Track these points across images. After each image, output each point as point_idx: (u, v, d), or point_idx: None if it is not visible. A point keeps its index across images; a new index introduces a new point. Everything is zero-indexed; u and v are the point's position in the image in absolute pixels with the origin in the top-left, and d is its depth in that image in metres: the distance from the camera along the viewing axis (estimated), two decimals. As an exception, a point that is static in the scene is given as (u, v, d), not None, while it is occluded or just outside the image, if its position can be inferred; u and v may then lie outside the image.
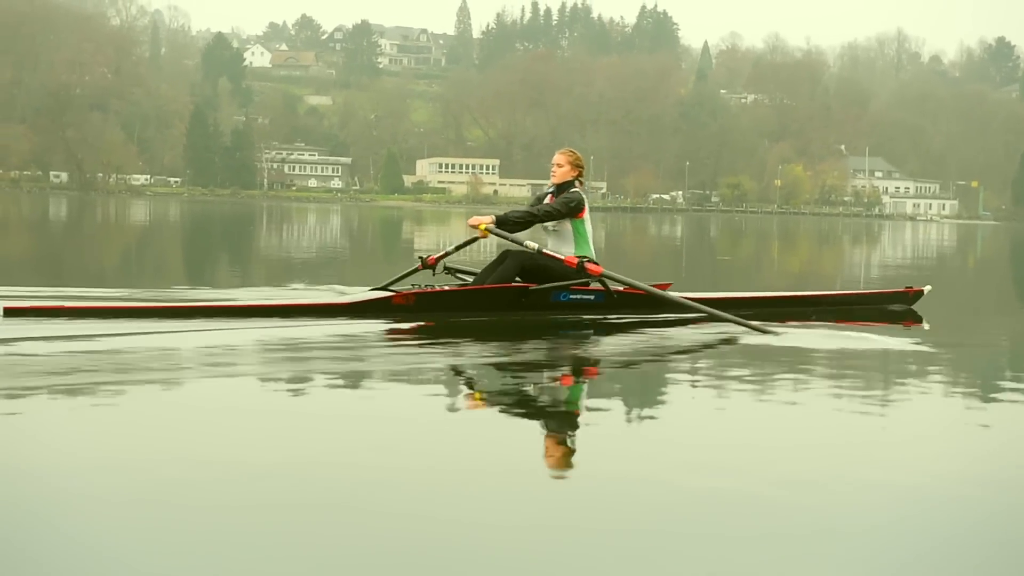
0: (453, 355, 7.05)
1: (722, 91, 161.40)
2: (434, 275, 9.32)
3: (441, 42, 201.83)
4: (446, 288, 8.78)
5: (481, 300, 8.67)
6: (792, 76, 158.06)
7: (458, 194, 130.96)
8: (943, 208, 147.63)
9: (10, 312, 7.63)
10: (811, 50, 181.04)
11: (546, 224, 8.97)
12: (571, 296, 8.85)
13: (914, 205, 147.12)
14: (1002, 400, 6.02)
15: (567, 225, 8.91)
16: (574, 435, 4.82)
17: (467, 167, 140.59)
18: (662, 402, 5.74)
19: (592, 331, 8.32)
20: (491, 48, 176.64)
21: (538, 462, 4.29)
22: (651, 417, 5.31)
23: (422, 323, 8.21)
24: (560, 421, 5.18)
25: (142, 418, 4.76)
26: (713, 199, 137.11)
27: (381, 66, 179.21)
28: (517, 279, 8.82)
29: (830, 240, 41.04)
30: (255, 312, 8.22)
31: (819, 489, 3.95)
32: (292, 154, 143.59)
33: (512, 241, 8.74)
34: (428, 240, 28.60)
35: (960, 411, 5.64)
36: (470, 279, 9.28)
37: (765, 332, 8.09)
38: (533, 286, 8.73)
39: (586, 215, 8.93)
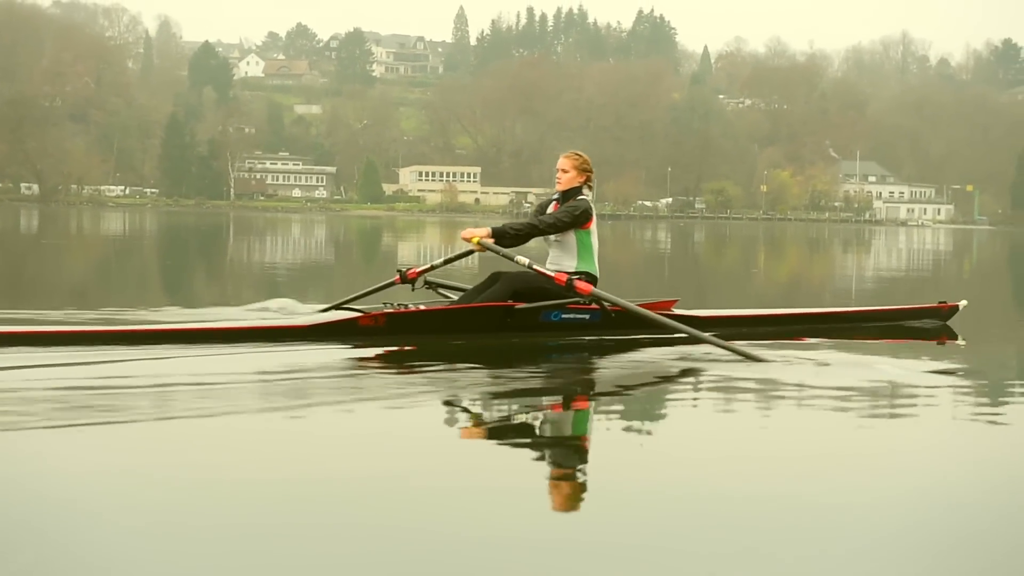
0: (424, 383, 6.39)
1: (720, 96, 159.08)
2: (413, 290, 8.52)
3: (440, 50, 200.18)
4: (421, 307, 8.03)
5: (461, 321, 7.89)
6: (788, 80, 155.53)
7: (432, 203, 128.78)
8: (938, 213, 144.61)
9: None
10: (815, 54, 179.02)
11: (548, 235, 8.28)
12: (563, 316, 8.08)
13: (908, 210, 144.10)
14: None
15: (571, 236, 8.20)
16: (565, 458, 4.71)
17: (447, 175, 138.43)
18: (657, 423, 5.57)
19: (585, 353, 7.78)
20: (486, 55, 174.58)
21: (524, 482, 4.23)
22: (645, 437, 5.17)
23: (393, 348, 7.43)
24: (549, 445, 4.97)
25: (109, 449, 4.60)
26: (697, 205, 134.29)
27: (377, 74, 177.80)
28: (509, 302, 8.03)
29: (820, 248, 39.75)
30: (198, 337, 7.35)
31: (828, 500, 4.03)
32: (276, 163, 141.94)
33: (503, 256, 8.02)
34: (394, 253, 26.71)
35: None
36: (455, 296, 8.50)
37: (754, 360, 7.17)
38: (520, 305, 7.93)
39: (593, 226, 8.27)
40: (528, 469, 4.44)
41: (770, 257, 30.99)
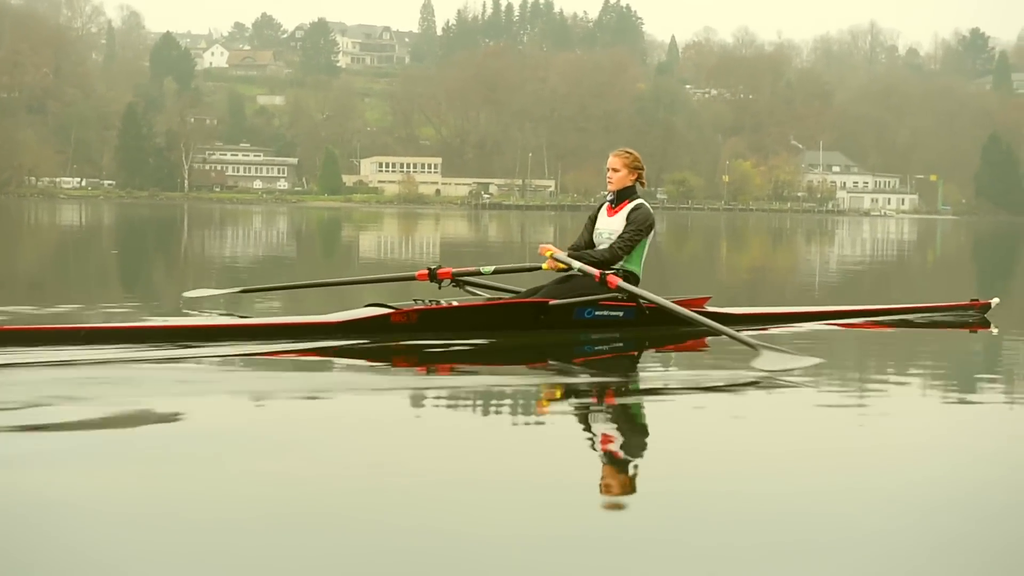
0: (456, 379, 6.49)
1: (687, 86, 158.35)
2: (440, 288, 8.48)
3: (407, 40, 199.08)
4: (453, 304, 7.93)
5: (493, 318, 7.85)
6: (755, 69, 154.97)
7: (391, 194, 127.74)
8: (902, 203, 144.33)
9: None
10: (783, 44, 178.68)
11: (601, 230, 8.27)
12: (596, 313, 8.00)
13: (872, 200, 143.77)
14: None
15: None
16: (584, 455, 4.73)
17: (408, 166, 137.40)
18: (679, 421, 5.49)
19: (619, 347, 7.82)
20: (451, 45, 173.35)
21: (538, 478, 4.25)
22: (667, 435, 5.16)
23: (425, 344, 7.37)
24: (570, 443, 4.94)
25: (136, 445, 4.64)
26: (659, 196, 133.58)
27: (343, 65, 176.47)
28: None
29: (782, 241, 39.30)
30: (236, 334, 7.43)
31: (836, 495, 4.07)
32: (236, 155, 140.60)
33: (569, 266, 7.98)
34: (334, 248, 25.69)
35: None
36: (483, 293, 8.54)
37: (764, 349, 6.95)
38: (553, 301, 7.88)
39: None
40: (544, 466, 4.47)
41: (732, 250, 30.40)
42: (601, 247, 8.18)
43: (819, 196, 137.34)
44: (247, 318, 8.31)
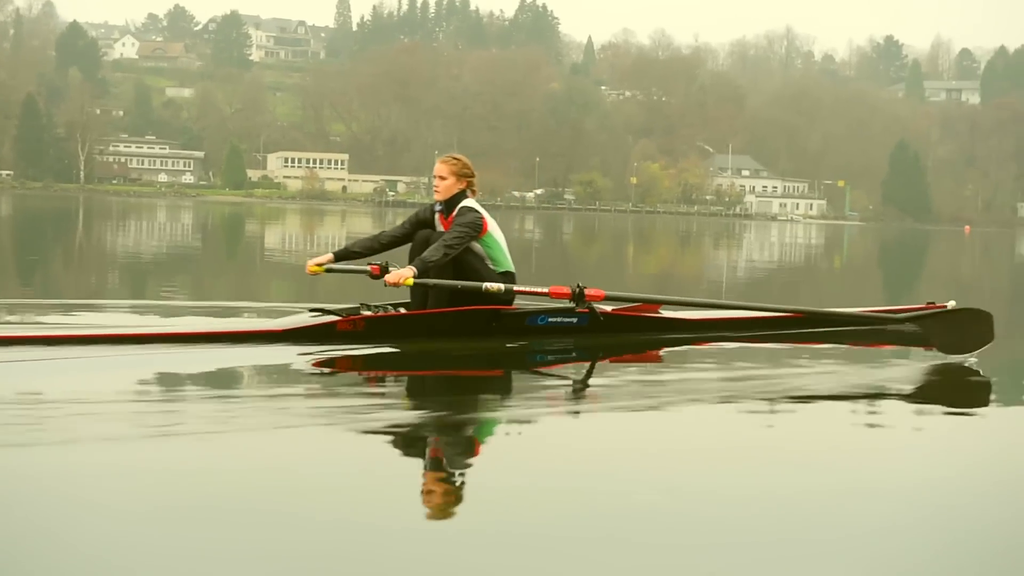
0: (403, 393, 6.41)
1: (603, 87, 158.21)
2: (385, 287, 7.79)
3: (322, 35, 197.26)
4: (401, 311, 7.72)
5: (443, 325, 7.60)
6: (668, 72, 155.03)
7: (294, 189, 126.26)
8: (810, 208, 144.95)
9: None
10: (699, 47, 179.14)
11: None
12: (549, 320, 7.84)
13: (780, 205, 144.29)
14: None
15: (475, 245, 7.69)
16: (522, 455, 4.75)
17: (315, 162, 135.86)
18: (639, 423, 5.52)
19: (573, 358, 7.66)
20: (366, 41, 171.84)
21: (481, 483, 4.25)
22: (630, 437, 5.18)
23: (372, 352, 7.21)
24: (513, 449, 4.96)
25: (72, 449, 4.54)
26: (567, 196, 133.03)
27: (256, 59, 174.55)
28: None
29: (689, 244, 39.01)
30: (171, 340, 7.13)
31: (808, 496, 4.11)
32: (141, 147, 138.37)
33: (461, 289, 7.49)
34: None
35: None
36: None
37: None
38: (512, 309, 7.73)
39: (490, 225, 7.75)
40: (500, 471, 4.41)
41: (640, 253, 30.02)
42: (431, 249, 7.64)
43: (727, 200, 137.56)
44: (186, 323, 8.07)
